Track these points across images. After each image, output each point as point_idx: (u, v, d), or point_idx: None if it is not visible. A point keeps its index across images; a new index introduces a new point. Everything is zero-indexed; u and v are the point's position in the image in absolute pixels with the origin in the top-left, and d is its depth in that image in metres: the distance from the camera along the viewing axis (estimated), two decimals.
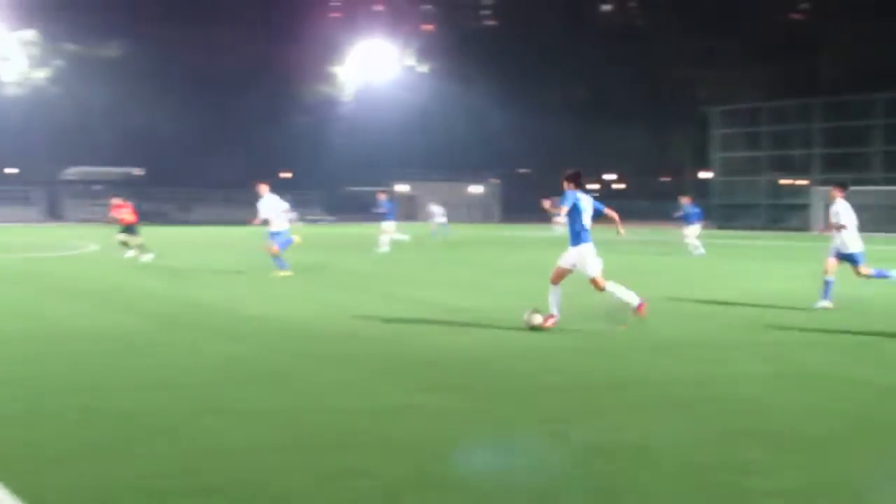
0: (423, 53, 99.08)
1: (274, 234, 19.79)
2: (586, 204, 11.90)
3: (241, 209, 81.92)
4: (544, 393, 8.23)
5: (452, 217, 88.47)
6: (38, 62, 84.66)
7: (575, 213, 11.79)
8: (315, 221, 79.10)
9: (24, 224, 70.33)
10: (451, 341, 11.24)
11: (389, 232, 31.37)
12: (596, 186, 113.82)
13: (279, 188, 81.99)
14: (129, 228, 25.58)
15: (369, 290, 17.64)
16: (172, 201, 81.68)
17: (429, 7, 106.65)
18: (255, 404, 7.65)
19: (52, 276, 21.13)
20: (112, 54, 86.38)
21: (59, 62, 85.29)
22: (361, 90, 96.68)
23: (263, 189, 20.06)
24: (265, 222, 19.96)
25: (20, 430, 6.75)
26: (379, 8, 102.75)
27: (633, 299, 12.05)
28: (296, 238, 20.73)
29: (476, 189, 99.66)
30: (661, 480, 5.63)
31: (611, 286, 11.99)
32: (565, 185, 11.98)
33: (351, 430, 6.77)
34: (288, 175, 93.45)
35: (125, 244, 25.50)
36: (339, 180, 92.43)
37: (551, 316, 11.87)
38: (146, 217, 76.52)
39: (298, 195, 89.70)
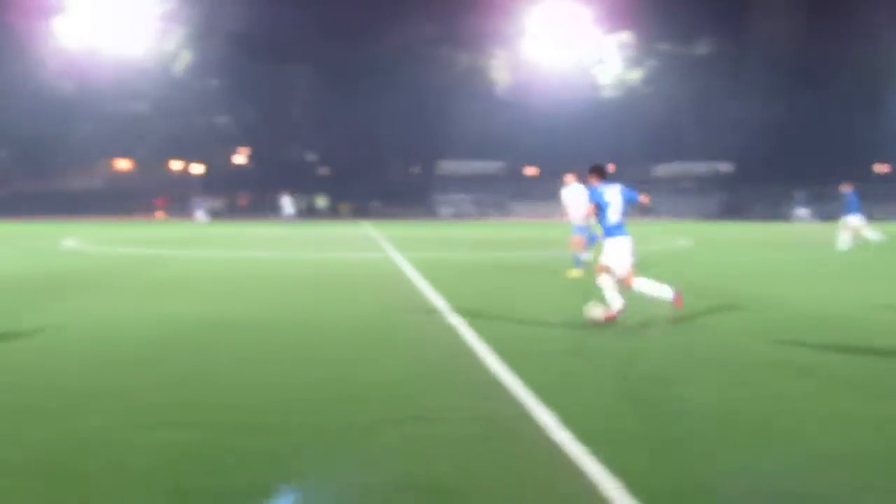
0: None
1: (580, 229, 18.30)
2: (611, 197, 11.11)
3: (829, 205, 78.66)
4: None
5: None
6: (633, 63, 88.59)
7: (600, 210, 11.16)
8: None
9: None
10: None
11: (852, 227, 28.63)
12: None
13: (871, 182, 75.91)
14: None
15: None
16: (765, 198, 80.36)
17: None
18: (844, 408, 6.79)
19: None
20: (702, 51, 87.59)
21: (652, 62, 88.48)
22: None
23: (570, 179, 18.99)
24: (570, 215, 18.83)
25: (606, 415, 6.65)
26: None
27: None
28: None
29: None
30: None
31: (605, 282, 11.09)
32: (588, 180, 11.39)
33: None
34: (884, 168, 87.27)
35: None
36: None
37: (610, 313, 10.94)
38: (735, 213, 75.67)
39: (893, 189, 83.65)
